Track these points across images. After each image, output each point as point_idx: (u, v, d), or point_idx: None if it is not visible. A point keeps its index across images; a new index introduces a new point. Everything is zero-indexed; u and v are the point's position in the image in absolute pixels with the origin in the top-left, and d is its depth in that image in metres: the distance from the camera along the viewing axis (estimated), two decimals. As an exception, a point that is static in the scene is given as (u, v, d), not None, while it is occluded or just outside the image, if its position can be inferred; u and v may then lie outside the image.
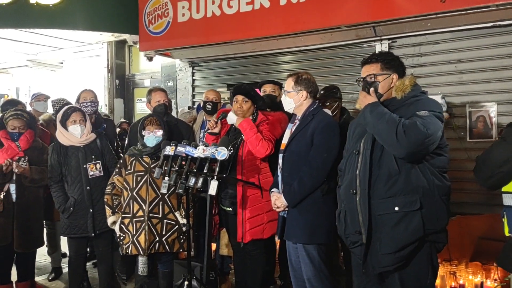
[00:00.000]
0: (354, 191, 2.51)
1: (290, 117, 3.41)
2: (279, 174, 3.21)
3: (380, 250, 2.42)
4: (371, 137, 2.49)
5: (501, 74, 4.38)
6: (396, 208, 2.38)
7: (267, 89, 4.15)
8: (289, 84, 3.22)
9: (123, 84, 7.62)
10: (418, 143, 2.30)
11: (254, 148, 3.39)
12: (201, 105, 4.55)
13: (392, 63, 2.57)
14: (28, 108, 5.10)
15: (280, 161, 3.19)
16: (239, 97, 3.53)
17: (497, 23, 4.22)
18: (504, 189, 2.49)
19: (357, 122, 2.70)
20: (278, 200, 3.14)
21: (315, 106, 3.21)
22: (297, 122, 3.21)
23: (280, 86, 4.22)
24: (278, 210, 3.17)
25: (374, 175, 2.45)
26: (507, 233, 2.45)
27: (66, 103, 4.60)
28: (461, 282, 3.71)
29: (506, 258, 2.45)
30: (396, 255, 2.39)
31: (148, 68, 7.23)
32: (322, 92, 4.04)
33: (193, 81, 6.40)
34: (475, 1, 3.89)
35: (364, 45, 5.00)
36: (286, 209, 3.13)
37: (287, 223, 3.14)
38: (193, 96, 6.40)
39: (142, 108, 7.26)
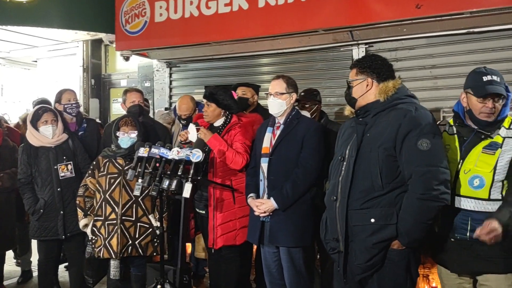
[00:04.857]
0: (335, 197, 2.49)
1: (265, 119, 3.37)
2: (261, 178, 3.15)
3: (355, 261, 2.42)
4: (356, 144, 2.45)
5: (474, 80, 4.45)
6: (372, 220, 2.35)
7: (239, 92, 4.04)
8: (281, 85, 3.16)
9: (98, 84, 7.49)
10: (444, 195, 2.28)
11: (229, 163, 3.33)
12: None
13: (366, 68, 2.55)
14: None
15: (263, 165, 3.13)
16: (204, 100, 3.51)
17: (471, 30, 4.28)
18: (464, 193, 2.45)
19: (348, 125, 2.68)
20: (264, 205, 3.06)
21: (295, 110, 3.23)
22: (281, 126, 3.17)
23: (254, 87, 4.16)
24: (263, 215, 3.09)
25: (355, 184, 2.41)
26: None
27: (43, 101, 4.46)
28: (433, 285, 3.76)
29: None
30: (368, 263, 2.38)
31: (125, 68, 7.11)
32: (302, 94, 4.03)
33: (171, 82, 6.31)
34: (450, 7, 3.94)
35: (341, 49, 5.02)
36: (271, 213, 3.09)
37: (272, 227, 3.09)
38: (170, 97, 6.31)
39: (118, 109, 7.12)
